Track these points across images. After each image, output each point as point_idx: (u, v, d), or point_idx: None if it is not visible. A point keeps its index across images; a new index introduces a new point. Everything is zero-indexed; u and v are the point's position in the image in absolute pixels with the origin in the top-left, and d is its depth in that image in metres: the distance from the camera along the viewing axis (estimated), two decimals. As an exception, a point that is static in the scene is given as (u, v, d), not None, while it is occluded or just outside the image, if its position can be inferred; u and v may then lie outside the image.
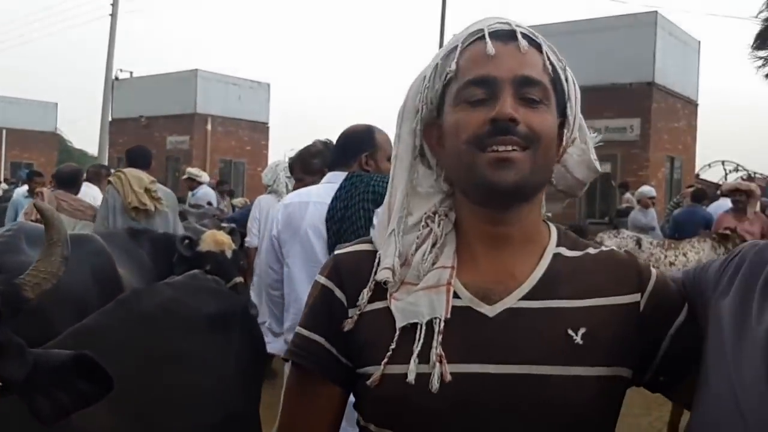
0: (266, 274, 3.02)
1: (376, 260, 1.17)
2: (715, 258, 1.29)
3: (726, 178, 24.25)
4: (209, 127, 23.39)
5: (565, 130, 1.20)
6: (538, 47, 1.15)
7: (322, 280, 1.21)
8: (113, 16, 22.53)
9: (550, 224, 1.24)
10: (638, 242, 6.85)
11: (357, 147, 2.93)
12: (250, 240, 5.86)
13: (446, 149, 1.17)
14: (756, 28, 0.94)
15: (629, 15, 17.37)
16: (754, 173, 24.69)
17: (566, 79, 1.19)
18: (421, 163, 1.25)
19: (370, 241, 1.24)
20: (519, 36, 1.13)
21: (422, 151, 1.24)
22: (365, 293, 1.15)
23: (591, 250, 1.22)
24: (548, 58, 1.15)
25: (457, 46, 1.16)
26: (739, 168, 26.64)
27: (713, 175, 24.73)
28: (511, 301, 1.11)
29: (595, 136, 1.27)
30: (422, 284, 1.13)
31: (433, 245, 1.16)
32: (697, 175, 20.22)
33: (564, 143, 1.20)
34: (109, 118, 23.16)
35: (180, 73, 24.06)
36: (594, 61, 16.54)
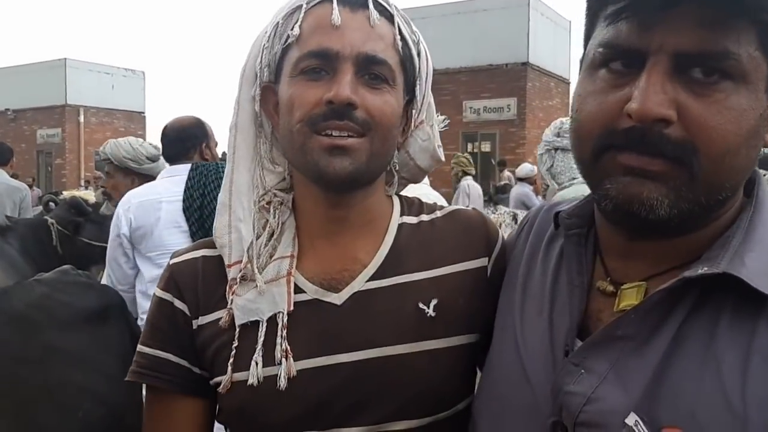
0: (113, 268, 3.01)
1: (226, 255, 1.10)
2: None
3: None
4: (82, 118, 22.34)
5: (413, 110, 1.13)
6: (390, 18, 1.07)
7: (159, 292, 1.12)
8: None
9: (393, 195, 1.20)
10: (514, 217, 7.12)
11: (194, 138, 3.12)
12: None
13: (280, 123, 1.08)
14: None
15: (502, -3, 17.92)
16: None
17: (418, 54, 1.11)
18: (261, 136, 1.15)
19: (207, 245, 1.15)
20: (371, 4, 1.04)
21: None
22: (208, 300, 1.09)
23: (438, 213, 1.18)
24: (400, 32, 1.07)
25: (301, 5, 1.05)
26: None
27: (586, 150, 25.92)
28: (359, 284, 1.06)
29: (441, 120, 1.22)
30: (261, 279, 1.06)
31: (270, 237, 1.10)
32: (572, 151, 21.22)
33: (410, 124, 1.14)
34: (-29, 112, 21.65)
35: (48, 62, 22.83)
36: (471, 42, 17.02)
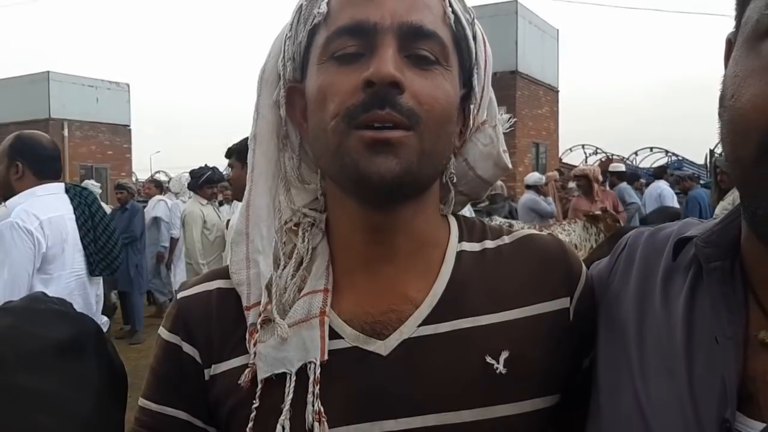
0: (22, 277, 2.83)
1: (244, 294, 0.89)
2: (587, 239, 1.12)
3: (587, 161, 25.68)
4: (66, 132, 22.01)
5: (471, 106, 0.91)
6: None
7: (166, 334, 0.92)
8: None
9: (449, 216, 0.97)
10: (510, 227, 6.98)
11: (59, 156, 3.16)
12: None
13: (310, 123, 0.86)
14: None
15: (490, 5, 17.81)
16: (612, 155, 26.31)
17: (474, 38, 0.89)
18: (287, 149, 0.94)
19: (221, 274, 0.94)
20: None
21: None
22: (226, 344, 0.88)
23: (506, 239, 0.95)
24: (450, 5, 0.86)
25: None
26: (598, 151, 28.34)
27: (575, 159, 26.13)
28: (409, 330, 0.84)
29: (507, 118, 1.00)
30: (288, 319, 0.84)
31: (299, 266, 0.89)
32: (561, 159, 21.17)
33: (470, 124, 0.92)
34: (-47, 127, 21.31)
35: (30, 75, 22.49)
36: (460, 51, 16.89)
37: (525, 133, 17.88)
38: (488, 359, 0.83)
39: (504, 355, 0.84)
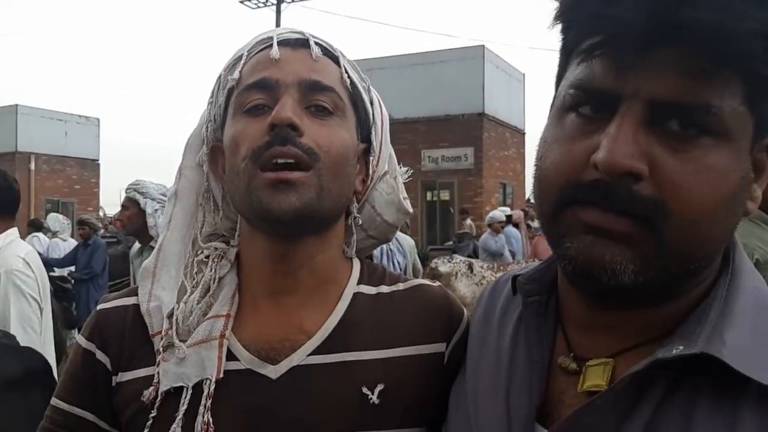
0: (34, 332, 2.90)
1: (149, 323, 0.99)
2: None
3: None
4: (32, 166, 21.79)
5: (371, 158, 1.05)
6: (335, 59, 1.01)
7: (83, 341, 1.01)
8: None
9: (354, 258, 1.09)
10: (470, 266, 7.07)
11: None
12: None
13: (227, 169, 0.98)
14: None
15: (458, 49, 18.22)
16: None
17: (371, 102, 1.05)
18: (208, 203, 1.06)
19: (137, 293, 1.04)
20: (312, 42, 0.98)
21: (208, 188, 1.06)
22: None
23: (401, 286, 1.07)
24: (346, 72, 1.01)
25: (242, 55, 1.00)
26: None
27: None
28: (299, 357, 0.95)
29: (404, 171, 1.15)
30: (190, 339, 0.94)
31: (205, 293, 0.99)
32: (528, 200, 21.44)
33: (371, 174, 1.05)
34: None
35: (-2, 108, 22.30)
36: (428, 93, 17.22)
37: (492, 174, 18.15)
38: (364, 390, 0.94)
39: (379, 387, 0.94)
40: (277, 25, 20.87)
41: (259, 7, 22.06)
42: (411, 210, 1.13)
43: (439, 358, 1.01)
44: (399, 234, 8.39)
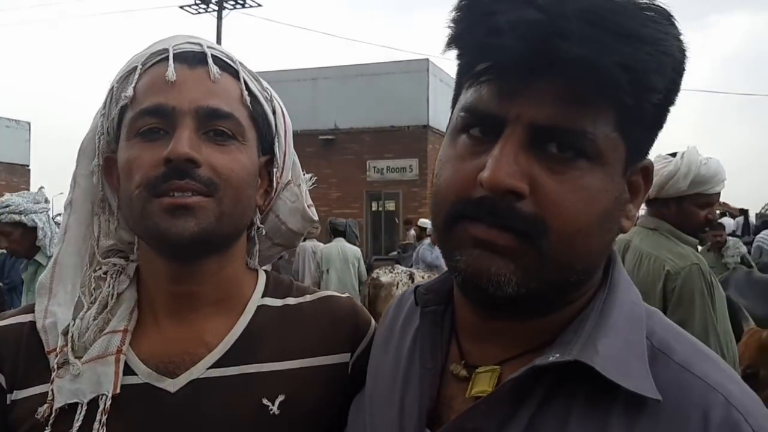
0: None
1: (44, 340, 0.97)
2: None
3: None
4: (-42, 171, 21.05)
5: (275, 169, 1.04)
6: (234, 74, 0.99)
7: None
8: None
9: (259, 271, 1.09)
10: (411, 276, 7.13)
11: None
12: None
13: (120, 191, 0.97)
14: None
15: (404, 61, 18.37)
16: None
17: (273, 111, 1.04)
18: (104, 213, 1.04)
19: (33, 310, 1.02)
20: (210, 60, 0.96)
21: (105, 196, 1.04)
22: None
23: (308, 297, 1.07)
24: (247, 87, 0.99)
25: (136, 67, 0.96)
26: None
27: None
28: (198, 371, 0.94)
29: (308, 178, 1.16)
30: (86, 356, 0.93)
31: (103, 308, 0.98)
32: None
33: (274, 185, 1.05)
34: None
35: None
36: (374, 104, 17.30)
37: (436, 185, 18.28)
38: (264, 401, 0.94)
39: (279, 398, 0.95)
40: (218, 32, 20.67)
41: (199, 12, 21.72)
42: (316, 217, 1.14)
43: (343, 368, 1.02)
44: (345, 244, 8.37)
